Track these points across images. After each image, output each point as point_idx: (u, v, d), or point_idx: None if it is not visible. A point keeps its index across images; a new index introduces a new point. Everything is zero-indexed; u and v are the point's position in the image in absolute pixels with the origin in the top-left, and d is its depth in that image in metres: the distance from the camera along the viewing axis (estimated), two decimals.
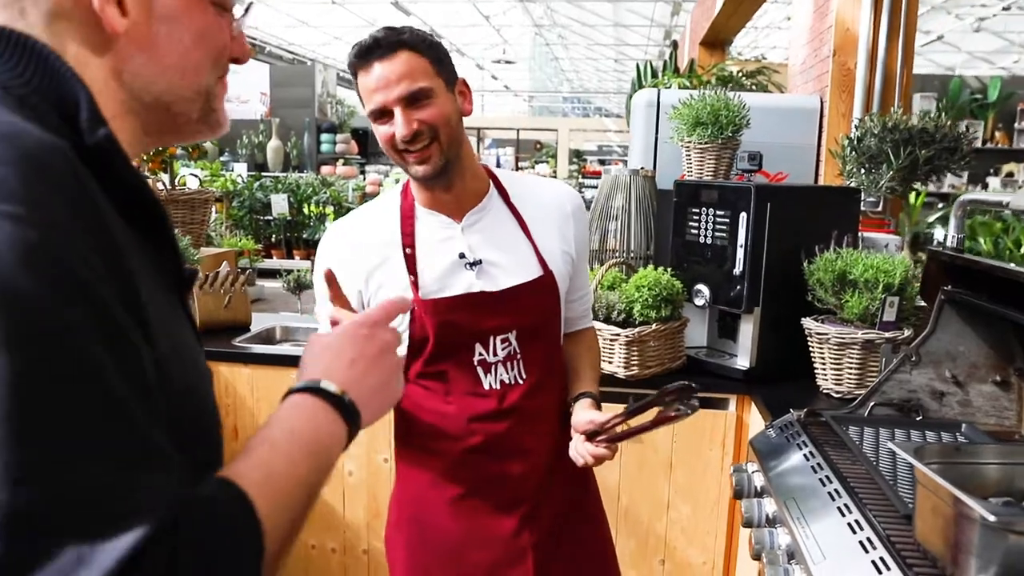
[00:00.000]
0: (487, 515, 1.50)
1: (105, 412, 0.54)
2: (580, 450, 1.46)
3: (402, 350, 1.42)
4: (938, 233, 3.44)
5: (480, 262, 1.46)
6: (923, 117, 2.33)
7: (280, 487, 0.65)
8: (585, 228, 1.63)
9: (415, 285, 1.43)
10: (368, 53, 1.34)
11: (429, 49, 1.37)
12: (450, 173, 1.42)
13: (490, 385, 1.47)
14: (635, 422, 1.40)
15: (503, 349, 1.47)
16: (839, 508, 1.34)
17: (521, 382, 1.49)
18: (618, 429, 1.43)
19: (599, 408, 1.53)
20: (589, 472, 1.63)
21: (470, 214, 1.48)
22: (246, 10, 0.80)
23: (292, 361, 2.55)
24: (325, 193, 10.24)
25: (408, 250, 1.45)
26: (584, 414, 1.49)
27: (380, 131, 1.38)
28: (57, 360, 0.53)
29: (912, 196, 2.46)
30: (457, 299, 1.44)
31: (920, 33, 13.63)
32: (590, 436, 1.45)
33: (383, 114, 1.36)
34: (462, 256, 1.45)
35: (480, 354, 1.46)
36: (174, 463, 0.58)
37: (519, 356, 1.48)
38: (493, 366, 1.47)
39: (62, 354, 0.53)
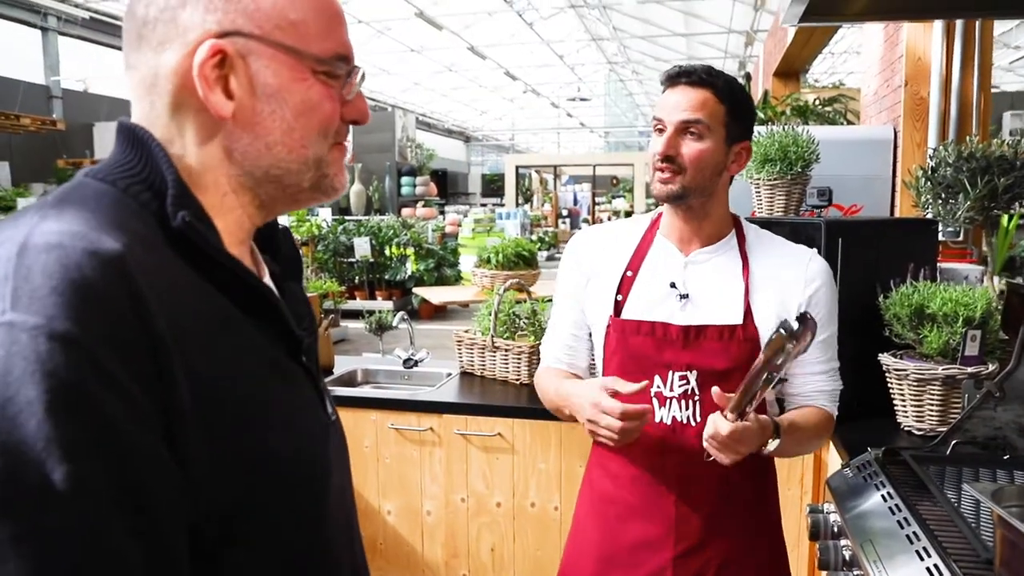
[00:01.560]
0: (636, 545, 1.50)
1: (80, 531, 0.55)
2: (706, 431, 1.36)
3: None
4: None
5: (688, 296, 1.50)
6: (1002, 143, 2.27)
7: None
8: (821, 303, 1.53)
9: (617, 304, 1.52)
10: (679, 76, 1.47)
11: (732, 101, 1.47)
12: (684, 205, 1.50)
13: (661, 419, 1.49)
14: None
15: (680, 386, 1.48)
16: (917, 552, 1.31)
17: (694, 424, 1.48)
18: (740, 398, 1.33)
19: (776, 431, 1.42)
20: (764, 525, 1.59)
21: (698, 251, 1.53)
22: (361, 77, 0.82)
23: (372, 403, 2.63)
24: (406, 235, 10.51)
25: (629, 273, 1.54)
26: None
27: (652, 142, 1.51)
28: (41, 470, 0.54)
29: (1005, 219, 2.38)
30: (643, 324, 1.49)
31: (1009, 49, 13.13)
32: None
33: (659, 128, 1.49)
34: (673, 286, 1.51)
35: (658, 386, 1.49)
36: None
37: (697, 397, 1.48)
38: (668, 400, 1.48)
39: (48, 463, 0.54)
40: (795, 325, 1.21)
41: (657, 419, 1.49)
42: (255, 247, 0.87)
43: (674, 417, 1.48)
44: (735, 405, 1.32)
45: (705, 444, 1.37)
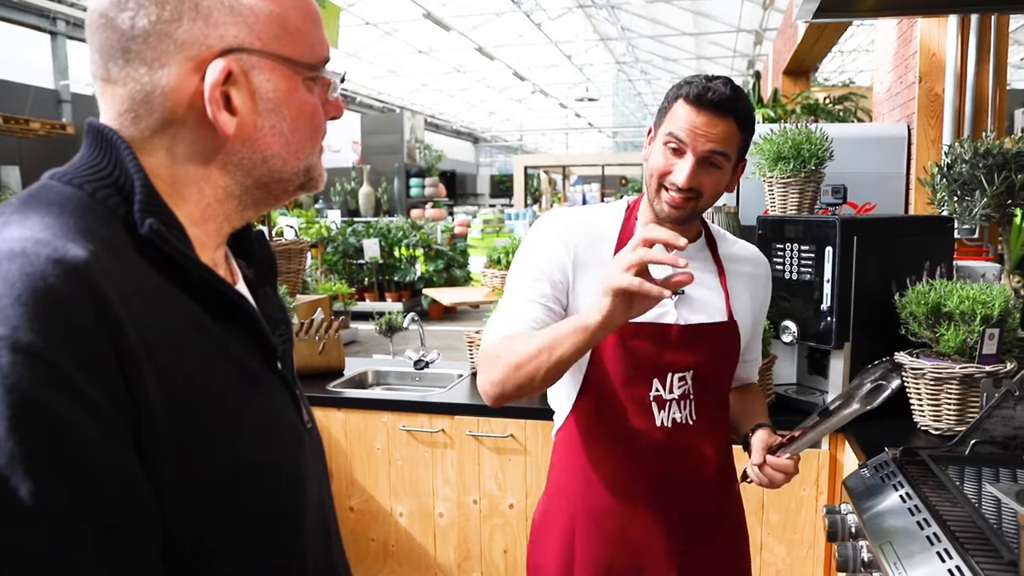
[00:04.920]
0: (639, 548, 1.49)
1: (44, 551, 0.55)
2: (769, 466, 1.47)
3: None
4: None
5: (683, 292, 1.47)
6: (1019, 140, 2.24)
7: None
8: (768, 297, 1.67)
9: None
10: (710, 105, 1.37)
11: (748, 125, 1.42)
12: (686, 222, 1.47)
13: (662, 422, 1.47)
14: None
15: (679, 387, 1.47)
16: (938, 553, 1.29)
17: (691, 423, 1.49)
18: (798, 435, 1.48)
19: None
20: (743, 517, 1.65)
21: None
22: (341, 79, 0.81)
23: (383, 405, 2.63)
24: (415, 236, 10.51)
25: None
26: (769, 437, 1.52)
27: (661, 155, 1.41)
28: (5, 488, 0.53)
29: (1018, 217, 2.35)
30: (644, 327, 1.44)
31: (1020, 46, 13.02)
32: (772, 452, 1.49)
33: (677, 149, 1.40)
34: None
35: (656, 390, 1.46)
36: None
37: (692, 397, 1.48)
38: (668, 403, 1.47)
39: (12, 481, 0.53)
40: (877, 401, 1.40)
41: (658, 423, 1.47)
42: (229, 252, 0.85)
43: (674, 419, 1.47)
44: (795, 448, 1.48)
45: (767, 475, 1.49)
